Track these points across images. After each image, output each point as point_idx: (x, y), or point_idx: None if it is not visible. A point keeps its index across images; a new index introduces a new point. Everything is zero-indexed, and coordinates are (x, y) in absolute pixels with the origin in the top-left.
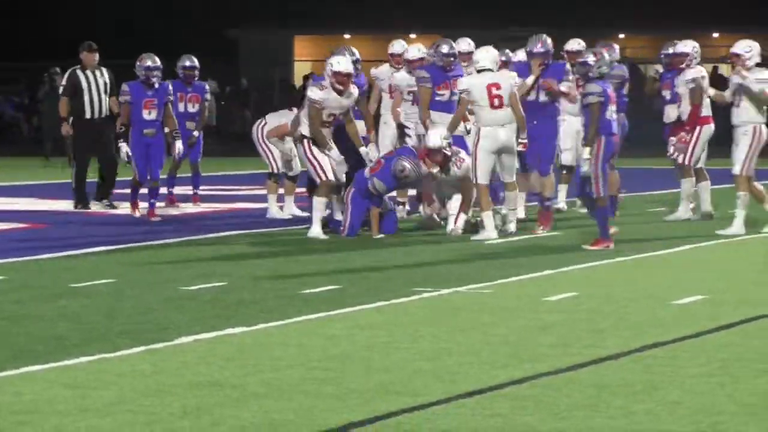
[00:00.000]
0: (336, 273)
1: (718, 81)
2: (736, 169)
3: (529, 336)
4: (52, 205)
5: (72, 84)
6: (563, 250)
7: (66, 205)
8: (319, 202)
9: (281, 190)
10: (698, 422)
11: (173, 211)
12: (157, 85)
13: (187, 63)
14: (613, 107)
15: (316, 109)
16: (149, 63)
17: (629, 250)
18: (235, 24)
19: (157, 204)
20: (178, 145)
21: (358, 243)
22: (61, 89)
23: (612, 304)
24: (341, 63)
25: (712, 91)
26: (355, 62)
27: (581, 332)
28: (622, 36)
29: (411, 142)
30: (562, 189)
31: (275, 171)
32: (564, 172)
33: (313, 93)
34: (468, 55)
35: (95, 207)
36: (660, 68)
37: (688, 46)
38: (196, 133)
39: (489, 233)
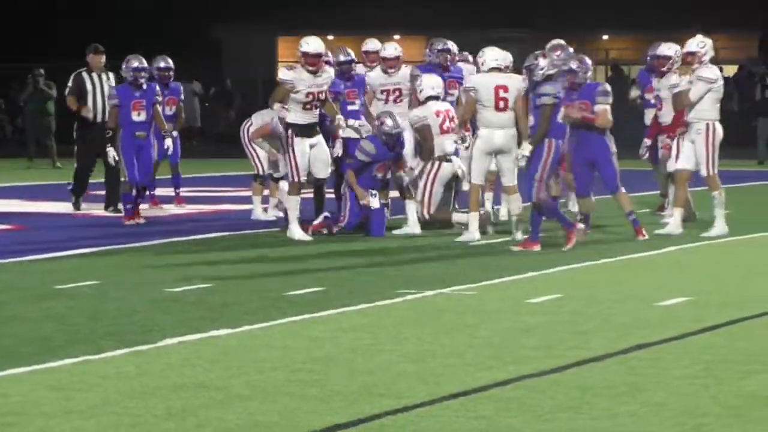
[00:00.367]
0: (320, 275)
1: None
2: (704, 171)
3: (513, 338)
4: (36, 206)
5: (77, 86)
6: (546, 252)
7: (50, 206)
8: (292, 201)
9: (266, 192)
10: (682, 424)
11: (157, 213)
12: (145, 86)
13: (162, 64)
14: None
15: (284, 89)
16: (136, 64)
17: (613, 252)
18: (218, 24)
19: (141, 206)
20: (167, 143)
21: (342, 245)
22: (67, 90)
23: (596, 306)
24: (309, 44)
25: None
26: (349, 62)
27: (565, 334)
28: (605, 37)
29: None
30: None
31: (260, 173)
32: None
33: (282, 73)
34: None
35: (99, 211)
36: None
37: (671, 49)
38: (174, 134)
39: (473, 235)
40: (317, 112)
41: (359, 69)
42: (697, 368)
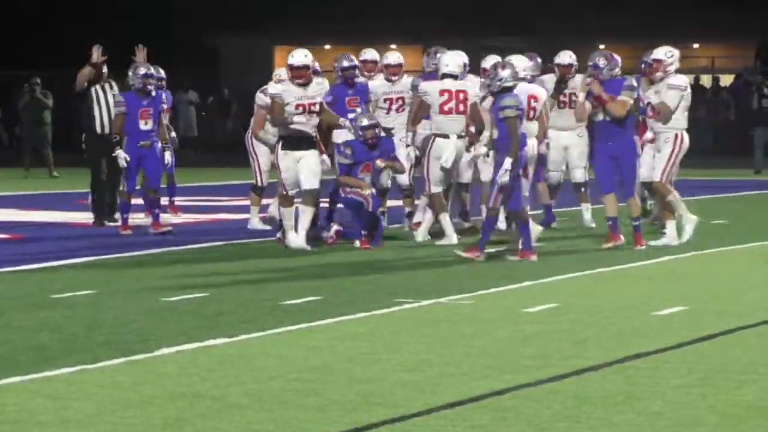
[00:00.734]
0: (317, 284)
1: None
2: (657, 177)
3: (510, 347)
4: (33, 216)
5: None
6: (543, 261)
7: (47, 215)
8: (286, 212)
9: (264, 201)
10: None
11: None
12: (153, 94)
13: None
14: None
15: (276, 104)
16: (145, 71)
17: (609, 261)
18: (215, 33)
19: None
20: (167, 156)
21: (340, 254)
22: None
23: (592, 315)
24: (294, 56)
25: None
26: (353, 68)
27: (562, 343)
28: (602, 47)
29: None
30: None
31: (259, 185)
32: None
33: (271, 88)
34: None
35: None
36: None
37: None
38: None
39: (450, 239)
40: (310, 122)
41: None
42: (693, 377)
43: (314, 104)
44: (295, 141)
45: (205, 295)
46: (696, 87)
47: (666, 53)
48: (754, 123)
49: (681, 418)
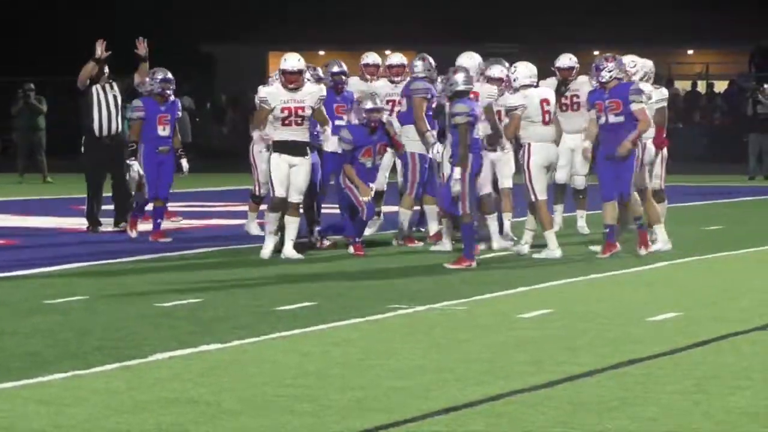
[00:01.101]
0: (311, 290)
1: (694, 97)
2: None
3: (504, 353)
4: (27, 221)
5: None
6: (536, 267)
7: (40, 221)
8: (270, 218)
9: (263, 207)
10: None
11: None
12: (172, 98)
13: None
14: (480, 125)
15: (263, 108)
16: (163, 75)
17: (603, 267)
18: (210, 39)
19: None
20: (184, 164)
21: (333, 260)
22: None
23: (586, 321)
24: (287, 61)
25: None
26: (341, 74)
27: (556, 349)
28: (596, 53)
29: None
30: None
31: (257, 194)
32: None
33: (259, 91)
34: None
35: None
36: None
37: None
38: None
39: (445, 246)
40: (302, 129)
41: (352, 81)
42: (687, 383)
43: (302, 108)
44: (286, 145)
45: (198, 300)
46: (691, 93)
47: (629, 63)
48: (748, 129)
49: (675, 424)
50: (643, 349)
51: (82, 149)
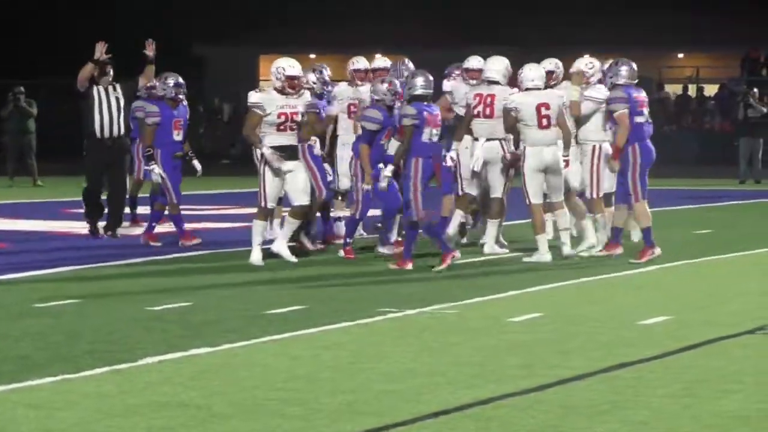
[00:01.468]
0: (301, 293)
1: (685, 101)
2: (588, 193)
3: (495, 356)
4: (17, 224)
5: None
6: (527, 270)
7: (31, 224)
8: (257, 226)
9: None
10: None
11: (138, 231)
12: (185, 103)
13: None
14: (433, 130)
15: (255, 113)
16: (175, 80)
17: (593, 271)
18: (201, 42)
19: (126, 224)
20: (197, 164)
21: (324, 264)
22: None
23: (577, 325)
24: (294, 67)
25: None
26: (324, 82)
27: (546, 353)
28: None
29: None
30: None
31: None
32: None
33: (251, 97)
34: (477, 72)
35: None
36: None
37: (552, 64)
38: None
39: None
40: (294, 134)
41: (342, 87)
42: (677, 387)
43: (296, 113)
44: (280, 150)
45: (189, 304)
46: (681, 97)
47: (587, 64)
48: (739, 133)
49: (665, 428)
50: (633, 353)
51: (84, 152)
